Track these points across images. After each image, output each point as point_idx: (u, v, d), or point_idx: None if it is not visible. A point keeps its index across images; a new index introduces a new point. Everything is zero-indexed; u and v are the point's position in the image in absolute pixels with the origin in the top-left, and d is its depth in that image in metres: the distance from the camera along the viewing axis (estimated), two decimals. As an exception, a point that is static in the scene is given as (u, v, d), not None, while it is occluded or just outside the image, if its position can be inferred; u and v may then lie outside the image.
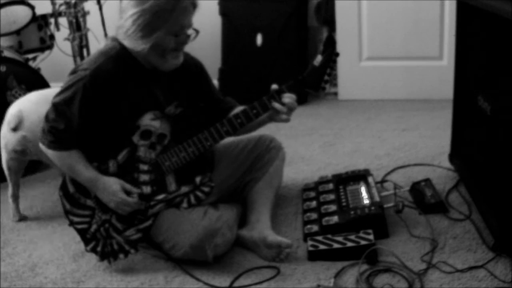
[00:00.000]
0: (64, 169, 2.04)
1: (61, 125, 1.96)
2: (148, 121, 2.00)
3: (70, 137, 1.98)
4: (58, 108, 1.96)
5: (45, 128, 1.99)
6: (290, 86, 1.97)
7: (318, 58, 1.97)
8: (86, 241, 2.06)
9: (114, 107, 1.97)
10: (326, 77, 1.96)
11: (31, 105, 2.38)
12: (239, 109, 2.09)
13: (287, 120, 1.99)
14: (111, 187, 1.97)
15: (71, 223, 2.07)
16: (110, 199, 1.98)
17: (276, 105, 1.96)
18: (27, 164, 2.51)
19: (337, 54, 1.96)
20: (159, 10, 1.86)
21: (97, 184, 1.98)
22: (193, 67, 2.14)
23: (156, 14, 1.86)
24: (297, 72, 2.02)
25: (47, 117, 1.98)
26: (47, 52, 3.42)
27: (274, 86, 1.98)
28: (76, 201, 2.05)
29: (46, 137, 1.99)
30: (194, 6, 1.94)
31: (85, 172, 1.98)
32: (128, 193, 1.99)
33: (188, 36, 1.96)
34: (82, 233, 2.06)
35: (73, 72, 1.98)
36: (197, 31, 1.96)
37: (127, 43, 1.94)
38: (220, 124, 1.98)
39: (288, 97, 1.95)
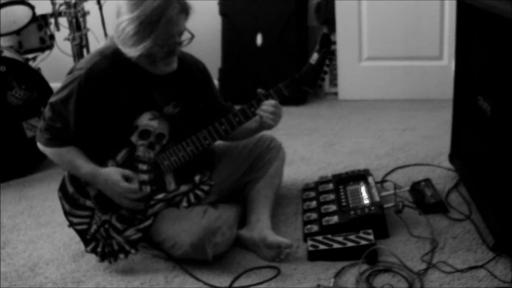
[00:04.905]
0: (63, 167, 2.04)
1: (58, 124, 1.97)
2: (147, 121, 2.00)
3: (67, 135, 1.98)
4: (55, 107, 1.96)
5: (42, 126, 2.00)
6: (287, 85, 1.98)
7: (314, 56, 1.97)
8: (86, 242, 2.06)
9: (110, 106, 1.96)
10: (322, 75, 1.97)
11: None
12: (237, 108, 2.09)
13: (271, 125, 2.00)
14: (112, 178, 1.96)
15: (71, 224, 2.07)
16: (113, 190, 1.98)
17: (258, 111, 1.97)
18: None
19: (332, 52, 1.96)
20: (145, 20, 1.82)
21: (98, 177, 1.98)
22: (196, 70, 2.13)
23: (142, 24, 1.82)
24: (297, 72, 2.02)
25: (43, 116, 1.99)
26: (47, 52, 3.42)
27: (260, 90, 1.99)
28: (76, 202, 2.04)
29: (42, 135, 2.00)
30: (186, 13, 1.89)
31: (85, 166, 1.98)
32: (129, 180, 1.98)
33: (179, 43, 1.93)
34: (82, 234, 2.06)
35: (70, 72, 1.99)
36: (192, 36, 1.94)
37: (120, 47, 1.93)
38: (218, 123, 1.99)
39: (266, 104, 1.97)
